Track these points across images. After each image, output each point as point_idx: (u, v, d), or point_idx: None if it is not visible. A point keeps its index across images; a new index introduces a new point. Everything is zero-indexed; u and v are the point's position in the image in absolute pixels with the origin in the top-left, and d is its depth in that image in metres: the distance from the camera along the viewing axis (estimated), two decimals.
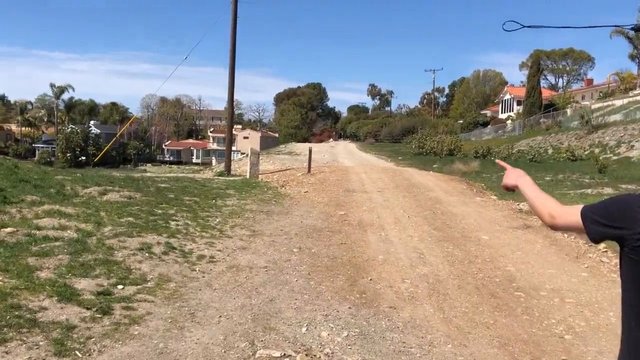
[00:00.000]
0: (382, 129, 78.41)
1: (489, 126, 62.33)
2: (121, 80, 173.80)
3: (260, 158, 36.71)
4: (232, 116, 22.28)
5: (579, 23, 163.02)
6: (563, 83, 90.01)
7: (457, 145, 38.62)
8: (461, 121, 70.44)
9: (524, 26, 10.39)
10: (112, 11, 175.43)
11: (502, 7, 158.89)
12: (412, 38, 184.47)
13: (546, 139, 39.37)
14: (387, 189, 15.57)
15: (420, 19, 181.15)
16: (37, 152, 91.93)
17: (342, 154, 43.04)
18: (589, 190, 17.31)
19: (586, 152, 30.94)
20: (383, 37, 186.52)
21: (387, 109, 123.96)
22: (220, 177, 19.38)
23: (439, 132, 48.72)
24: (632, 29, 15.85)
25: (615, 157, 27.77)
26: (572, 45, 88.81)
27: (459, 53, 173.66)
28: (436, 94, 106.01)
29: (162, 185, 13.61)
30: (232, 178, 19.03)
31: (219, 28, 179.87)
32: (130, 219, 8.74)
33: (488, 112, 73.68)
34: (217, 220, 9.50)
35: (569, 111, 51.97)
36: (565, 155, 30.45)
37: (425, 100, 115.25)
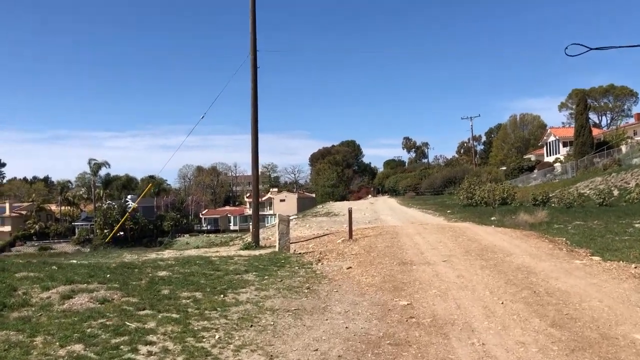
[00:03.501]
0: (422, 181, 75.45)
1: (535, 170, 59.10)
2: (160, 153, 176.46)
3: (295, 222, 33.61)
4: (257, 181, 19.33)
5: (622, 57, 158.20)
6: (607, 121, 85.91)
7: (510, 193, 34.89)
8: (504, 168, 67.44)
9: (590, 48, 8.70)
10: (149, 90, 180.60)
11: (532, 52, 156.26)
12: (443, 88, 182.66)
13: (607, 180, 35.45)
14: (455, 257, 11.98)
15: (450, 68, 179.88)
16: (76, 230, 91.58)
17: (384, 210, 39.47)
18: None
19: None
20: (414, 89, 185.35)
21: (424, 160, 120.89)
22: (244, 252, 16.13)
23: (483, 181, 45.18)
24: None
25: None
26: (612, 82, 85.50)
27: (491, 101, 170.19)
28: (474, 142, 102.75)
29: (161, 274, 10.41)
30: (258, 252, 15.76)
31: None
32: (79, 347, 5.51)
33: (532, 156, 71.15)
34: (217, 337, 6.14)
35: (624, 148, 48.10)
36: (639, 196, 26.54)
37: (462, 149, 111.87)
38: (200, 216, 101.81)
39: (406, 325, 6.89)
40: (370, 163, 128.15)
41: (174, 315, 6.98)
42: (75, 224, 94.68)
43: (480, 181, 43.87)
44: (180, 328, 6.38)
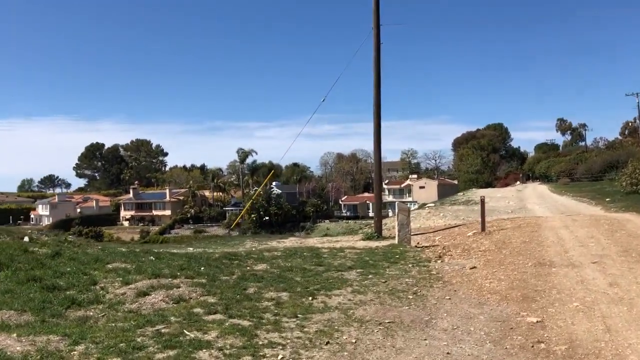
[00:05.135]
0: (578, 166, 68.50)
1: None
2: (305, 142, 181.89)
3: (429, 210, 31.70)
4: (380, 167, 18.00)
5: None
6: None
7: None
8: None
9: None
10: (297, 79, 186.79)
11: None
12: (603, 60, 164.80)
13: None
14: (609, 258, 9.66)
15: (612, 36, 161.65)
16: (226, 214, 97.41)
17: (531, 198, 35.89)
18: None
19: None
20: (570, 63, 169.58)
21: (581, 144, 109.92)
22: (362, 243, 14.94)
23: None
24: None
25: None
26: None
27: None
28: None
29: (259, 267, 9.61)
30: (376, 244, 14.46)
31: (391, 87, 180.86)
32: None
33: None
34: (280, 357, 4.99)
35: None
36: None
37: (627, 130, 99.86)
38: (340, 202, 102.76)
39: (530, 354, 5.20)
40: (519, 147, 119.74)
41: (244, 323, 5.98)
42: (226, 208, 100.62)
43: None
44: (242, 341, 5.35)
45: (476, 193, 46.40)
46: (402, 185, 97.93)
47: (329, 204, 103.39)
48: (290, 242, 18.67)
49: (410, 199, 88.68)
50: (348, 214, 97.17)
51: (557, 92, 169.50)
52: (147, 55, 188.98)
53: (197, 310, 6.48)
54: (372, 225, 18.64)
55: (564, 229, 13.93)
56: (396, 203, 14.90)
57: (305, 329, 5.88)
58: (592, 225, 14.39)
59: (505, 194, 40.76)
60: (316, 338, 5.59)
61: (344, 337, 5.64)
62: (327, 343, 5.43)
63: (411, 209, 46.50)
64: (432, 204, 39.17)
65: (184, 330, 5.62)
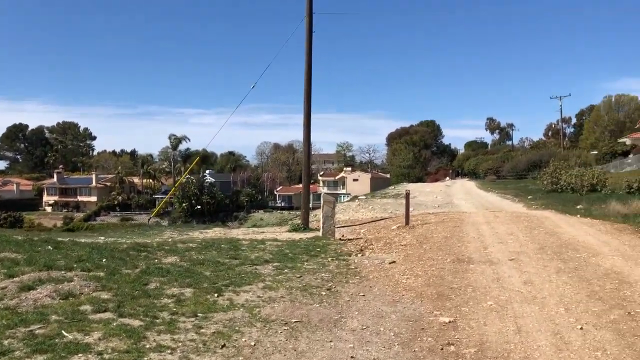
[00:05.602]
0: (504, 164, 71.13)
1: (630, 155, 53.87)
2: (244, 131, 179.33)
3: (359, 203, 31.72)
4: (309, 158, 17.59)
5: None
6: None
7: (600, 179, 30.97)
8: (595, 152, 62.17)
9: None
10: (234, 67, 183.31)
11: (627, 31, 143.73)
12: (532, 67, 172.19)
13: None
14: (526, 255, 9.69)
15: (540, 45, 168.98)
16: (156, 202, 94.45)
17: (458, 194, 36.73)
18: None
19: None
20: (500, 67, 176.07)
21: (508, 143, 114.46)
22: (286, 235, 14.53)
23: (571, 165, 41.10)
24: None
25: None
26: None
27: (583, 81, 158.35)
28: (563, 124, 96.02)
29: (168, 260, 8.99)
30: (300, 236, 14.09)
31: (332, 77, 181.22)
32: None
33: (627, 140, 64.84)
34: None
35: None
36: None
37: (550, 132, 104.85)
38: (275, 193, 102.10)
39: (439, 357, 4.93)
40: (450, 144, 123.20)
41: (134, 323, 5.40)
42: (156, 196, 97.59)
43: (567, 165, 39.98)
44: (127, 345, 4.78)
45: (407, 187, 47.01)
46: (337, 178, 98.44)
47: (263, 194, 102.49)
48: (214, 232, 18.00)
49: (344, 191, 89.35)
50: (283, 204, 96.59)
51: (489, 92, 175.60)
52: (79, 35, 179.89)
53: (85, 307, 5.83)
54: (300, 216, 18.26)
55: (486, 225, 14.06)
56: (321, 195, 14.54)
57: (203, 330, 5.37)
58: (513, 222, 14.62)
59: (434, 189, 41.57)
60: (212, 340, 5.09)
61: (244, 340, 5.18)
62: (223, 346, 4.95)
63: (343, 201, 46.65)
64: (364, 197, 39.34)
65: (63, 331, 4.98)
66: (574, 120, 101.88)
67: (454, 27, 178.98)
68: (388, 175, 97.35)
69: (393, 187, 53.73)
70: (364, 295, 7.07)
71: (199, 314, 5.87)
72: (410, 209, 22.02)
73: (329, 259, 9.85)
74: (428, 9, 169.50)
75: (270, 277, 8.00)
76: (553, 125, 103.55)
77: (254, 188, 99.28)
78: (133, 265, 8.26)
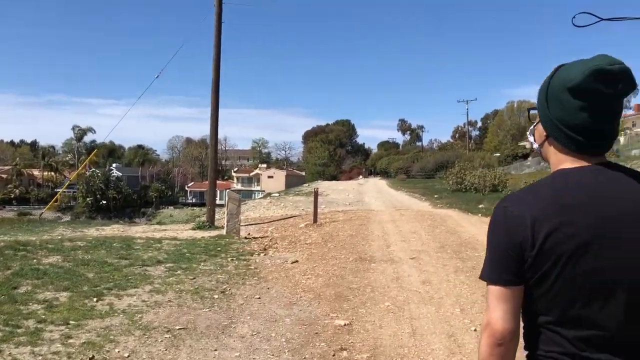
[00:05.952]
0: (414, 164, 73.47)
1: (529, 158, 57.40)
2: (156, 123, 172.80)
3: (270, 200, 31.35)
4: (215, 152, 17.04)
5: (625, 48, 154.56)
6: None
7: (502, 180, 32.63)
8: (498, 154, 65.77)
9: (601, 19, 7.03)
10: (147, 58, 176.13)
11: (531, 40, 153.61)
12: (441, 72, 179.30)
13: None
14: (427, 254, 9.74)
15: (448, 52, 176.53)
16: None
17: (370, 192, 37.29)
18: None
19: None
20: (412, 71, 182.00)
21: (419, 144, 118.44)
22: (188, 233, 13.88)
23: (475, 166, 43.12)
24: None
25: None
26: None
27: (490, 87, 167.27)
28: (469, 127, 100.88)
29: (48, 260, 8.17)
30: (206, 233, 13.52)
31: (250, 73, 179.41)
32: None
33: (527, 144, 69.05)
34: None
35: (622, 139, 46.17)
36: None
37: (457, 134, 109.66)
38: (187, 189, 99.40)
39: None
40: (364, 144, 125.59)
41: None
42: (57, 190, 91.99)
43: (472, 166, 41.81)
44: None
45: (321, 185, 47.33)
46: (251, 174, 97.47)
47: (174, 189, 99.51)
48: (112, 230, 16.94)
49: (258, 188, 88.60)
50: (194, 200, 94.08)
51: (401, 94, 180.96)
52: None
53: None
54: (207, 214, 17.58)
55: (391, 224, 14.16)
56: (226, 192, 14.04)
57: (71, 340, 4.79)
58: (417, 221, 14.84)
59: (347, 187, 41.99)
60: (80, 352, 4.52)
61: (117, 350, 4.65)
62: (92, 359, 4.41)
63: (256, 198, 46.02)
64: (277, 194, 39.07)
65: None
66: (479, 124, 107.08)
67: (368, 29, 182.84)
68: (303, 173, 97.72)
69: (307, 184, 53.89)
70: (259, 298, 6.71)
71: (70, 322, 5.26)
72: (322, 206, 22.00)
73: (229, 259, 9.40)
74: (344, 10, 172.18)
75: (160, 279, 7.44)
76: (460, 128, 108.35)
77: (163, 183, 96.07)
78: (4, 267, 7.41)
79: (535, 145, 1.59)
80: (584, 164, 1.39)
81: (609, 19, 10.91)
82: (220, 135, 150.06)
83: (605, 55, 1.37)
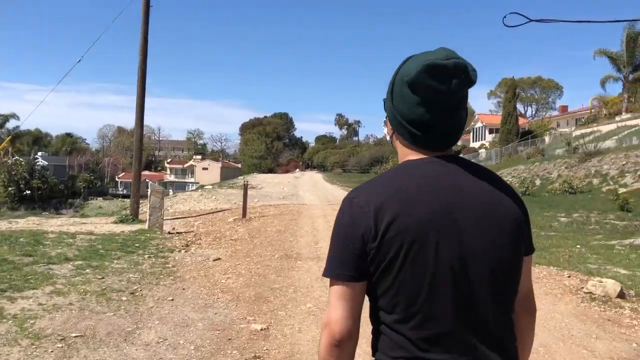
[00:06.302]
0: (350, 158, 74.14)
1: (460, 155, 59.04)
2: (85, 111, 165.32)
3: (201, 193, 30.42)
4: (141, 142, 16.17)
5: (551, 52, 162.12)
6: (532, 112, 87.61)
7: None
8: None
9: (530, 20, 7.76)
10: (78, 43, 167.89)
11: (463, 43, 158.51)
12: (376, 68, 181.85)
13: (530, 169, 34.66)
14: None
15: (384, 47, 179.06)
16: None
17: (305, 185, 37.13)
18: None
19: (583, 184, 25.91)
20: (351, 66, 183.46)
21: (355, 138, 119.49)
22: (113, 226, 13.11)
23: None
24: None
25: (624, 190, 22.54)
26: (540, 74, 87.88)
27: None
28: None
29: None
30: (128, 228, 12.80)
31: (186, 62, 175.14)
32: None
33: (459, 141, 71.15)
34: None
35: (547, 138, 48.33)
36: (561, 187, 25.39)
37: None
38: (117, 179, 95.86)
39: None
40: (302, 137, 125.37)
41: None
42: None
43: None
44: None
45: (257, 178, 46.76)
46: (185, 166, 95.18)
47: (104, 180, 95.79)
48: (27, 222, 15.77)
49: (192, 180, 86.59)
50: (125, 191, 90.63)
51: (339, 89, 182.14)
52: None
53: None
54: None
55: (322, 218, 13.93)
56: (149, 184, 13.33)
57: None
58: None
59: (283, 180, 41.65)
60: None
61: None
62: None
63: (188, 190, 44.75)
64: (210, 186, 38.18)
65: None
66: None
67: (307, 25, 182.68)
68: (240, 165, 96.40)
69: (243, 177, 53.17)
70: (172, 300, 6.24)
71: None
72: (255, 200, 21.55)
73: (146, 256, 8.83)
74: (286, 3, 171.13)
75: (64, 278, 6.81)
76: None
77: (93, 173, 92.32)
78: None
79: (388, 137, 1.51)
80: (426, 156, 1.37)
81: (537, 20, 11.11)
82: (154, 125, 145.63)
83: (445, 48, 1.34)
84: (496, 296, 1.32)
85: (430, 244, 1.27)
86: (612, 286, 6.92)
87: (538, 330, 4.59)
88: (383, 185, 1.35)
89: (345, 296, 1.31)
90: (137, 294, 6.39)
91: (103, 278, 7.00)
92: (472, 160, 1.37)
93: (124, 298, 6.15)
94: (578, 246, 11.02)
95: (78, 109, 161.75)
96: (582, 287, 7.36)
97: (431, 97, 1.31)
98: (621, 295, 6.83)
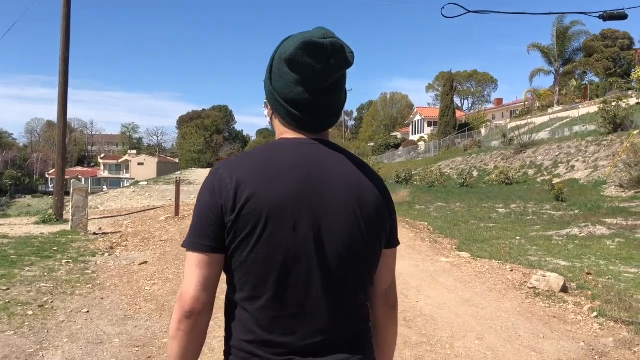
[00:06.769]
0: None
1: (400, 148, 60.20)
2: (13, 105, 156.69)
3: (134, 190, 29.11)
4: (64, 136, 14.96)
5: (487, 47, 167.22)
6: (469, 105, 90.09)
7: (374, 169, 33.27)
8: (372, 144, 68.30)
9: (468, 11, 8.04)
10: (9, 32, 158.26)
11: (405, 33, 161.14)
12: None
13: (467, 160, 35.43)
14: None
15: None
16: None
17: None
18: (576, 231, 11.90)
19: (519, 174, 26.64)
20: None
21: None
22: (34, 227, 12.05)
23: None
24: (600, 17, 10.94)
25: (558, 180, 23.27)
26: (476, 68, 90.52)
27: (365, 78, 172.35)
28: (345, 117, 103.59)
29: None
30: (49, 229, 11.80)
31: (120, 53, 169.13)
32: None
33: (398, 134, 72.62)
34: None
35: (483, 131, 49.66)
36: (498, 178, 25.96)
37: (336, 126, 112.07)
38: (47, 176, 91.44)
39: None
40: (242, 131, 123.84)
41: None
42: None
43: None
44: None
45: (195, 173, 45.48)
46: (120, 161, 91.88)
47: (33, 177, 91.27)
48: None
49: (127, 176, 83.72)
50: None
51: None
52: None
53: None
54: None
55: None
56: (71, 181, 12.33)
57: None
58: None
59: None
60: None
61: None
62: None
63: (123, 186, 43.01)
64: (145, 182, 36.75)
65: None
66: (355, 114, 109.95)
67: (242, 11, 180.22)
68: (177, 160, 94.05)
69: (180, 172, 51.71)
70: (87, 312, 5.56)
71: None
72: (192, 196, 20.65)
73: (64, 261, 8.03)
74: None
75: None
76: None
77: (20, 170, 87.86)
78: None
79: (268, 119, 1.49)
80: (300, 137, 1.36)
81: (475, 12, 10.92)
82: (87, 119, 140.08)
83: (323, 28, 1.33)
84: (346, 282, 1.30)
85: (287, 223, 1.25)
86: (555, 280, 6.79)
87: (485, 332, 4.26)
88: (251, 161, 1.32)
89: (200, 265, 1.27)
90: (46, 306, 5.65)
91: (8, 289, 6.19)
92: (351, 152, 1.42)
93: (30, 312, 5.41)
94: (518, 237, 11.01)
95: (3, 102, 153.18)
96: (526, 282, 7.22)
97: (308, 75, 1.29)
98: (564, 289, 6.71)
